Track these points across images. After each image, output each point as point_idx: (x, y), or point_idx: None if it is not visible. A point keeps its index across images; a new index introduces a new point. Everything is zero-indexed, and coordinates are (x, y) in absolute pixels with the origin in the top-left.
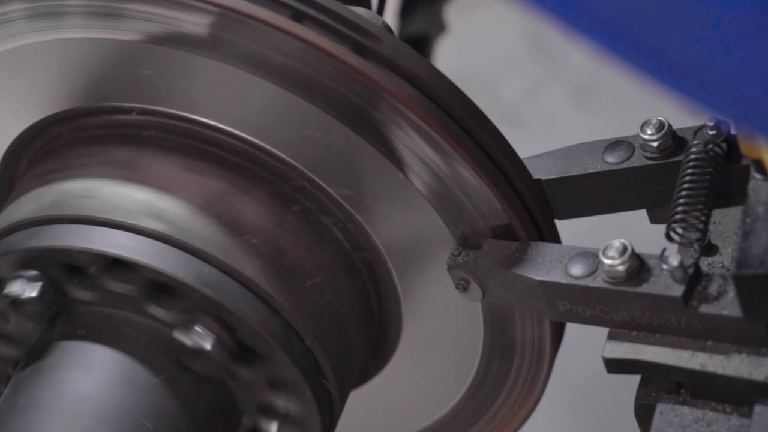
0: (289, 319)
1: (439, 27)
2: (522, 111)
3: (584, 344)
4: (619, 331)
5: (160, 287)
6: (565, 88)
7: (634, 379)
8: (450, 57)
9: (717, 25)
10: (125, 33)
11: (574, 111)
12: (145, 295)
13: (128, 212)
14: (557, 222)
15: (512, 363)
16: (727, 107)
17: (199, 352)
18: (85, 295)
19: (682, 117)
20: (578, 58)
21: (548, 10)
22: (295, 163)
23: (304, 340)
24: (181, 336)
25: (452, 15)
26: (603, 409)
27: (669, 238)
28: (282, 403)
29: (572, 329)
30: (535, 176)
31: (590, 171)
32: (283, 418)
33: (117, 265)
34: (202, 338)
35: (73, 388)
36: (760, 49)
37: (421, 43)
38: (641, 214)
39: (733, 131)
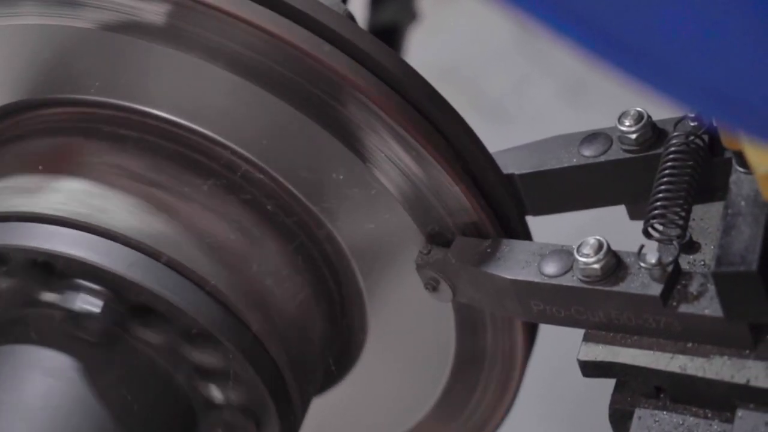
0: (249, 323)
1: (410, 16)
2: (508, 107)
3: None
4: (596, 332)
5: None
6: (554, 82)
7: None
8: (430, 50)
9: (690, 9)
10: (80, 21)
11: (563, 106)
12: (131, 314)
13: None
14: (548, 220)
15: (483, 366)
16: (703, 102)
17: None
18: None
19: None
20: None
21: (521, 7)
22: (256, 159)
23: (265, 345)
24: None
25: (430, 6)
26: (599, 420)
27: (647, 234)
28: (238, 402)
29: (569, 337)
30: (508, 170)
31: (566, 165)
32: (241, 418)
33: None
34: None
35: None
36: (736, 39)
37: (391, 34)
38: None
39: (714, 123)
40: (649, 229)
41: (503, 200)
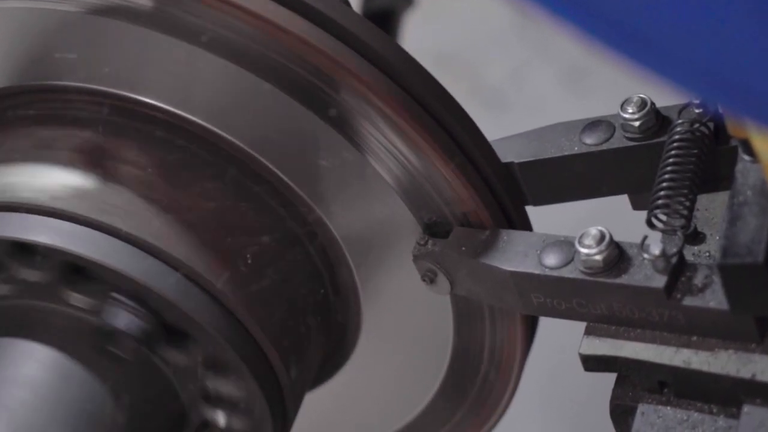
0: (224, 300)
1: (406, 1)
2: (508, 94)
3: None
4: (598, 325)
5: (77, 271)
6: (555, 68)
7: None
8: (427, 36)
9: None
10: (66, 4)
11: (564, 93)
12: (59, 280)
13: (32, 193)
14: (548, 210)
15: (482, 361)
16: (707, 88)
17: (114, 333)
18: None
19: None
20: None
21: None
22: (247, 147)
23: (243, 323)
24: (93, 318)
25: None
26: (601, 415)
27: (651, 225)
28: (226, 391)
29: (573, 332)
30: (507, 159)
31: (567, 153)
32: (231, 409)
33: (25, 250)
34: (113, 317)
35: None
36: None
37: (387, 19)
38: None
39: (720, 109)
40: (653, 220)
41: (502, 190)
